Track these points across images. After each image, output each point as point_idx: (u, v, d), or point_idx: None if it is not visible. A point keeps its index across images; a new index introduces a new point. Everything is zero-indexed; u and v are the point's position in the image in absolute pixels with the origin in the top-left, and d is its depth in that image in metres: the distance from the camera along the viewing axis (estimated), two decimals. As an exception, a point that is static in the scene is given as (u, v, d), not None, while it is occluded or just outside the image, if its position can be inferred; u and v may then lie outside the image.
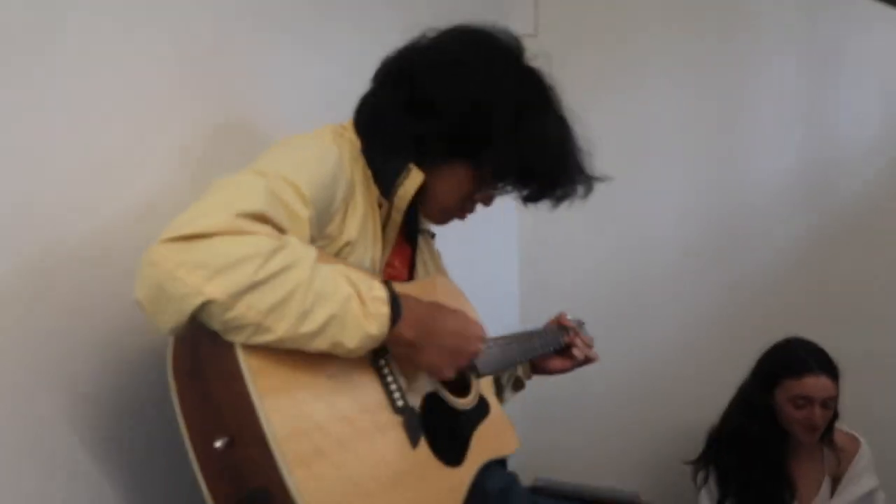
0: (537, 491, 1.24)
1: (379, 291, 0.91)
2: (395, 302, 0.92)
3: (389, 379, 1.00)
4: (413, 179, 1.07)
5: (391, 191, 1.06)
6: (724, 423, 1.91)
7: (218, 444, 0.83)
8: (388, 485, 0.94)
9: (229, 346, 0.83)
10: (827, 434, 1.82)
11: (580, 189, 1.15)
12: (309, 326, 0.84)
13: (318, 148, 1.01)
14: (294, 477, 0.81)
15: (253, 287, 0.80)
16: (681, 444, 2.11)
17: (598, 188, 1.17)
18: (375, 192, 1.06)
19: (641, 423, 2.43)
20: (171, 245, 0.79)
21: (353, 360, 0.92)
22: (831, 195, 2.30)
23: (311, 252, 0.86)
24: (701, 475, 1.91)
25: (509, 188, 1.14)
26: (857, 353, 1.91)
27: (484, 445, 1.15)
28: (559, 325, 1.42)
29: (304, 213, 0.90)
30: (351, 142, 1.08)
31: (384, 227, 1.07)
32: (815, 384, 1.76)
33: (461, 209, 1.17)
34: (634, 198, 2.41)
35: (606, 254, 2.47)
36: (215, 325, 0.81)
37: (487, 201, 1.18)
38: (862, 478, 1.84)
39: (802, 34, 2.31)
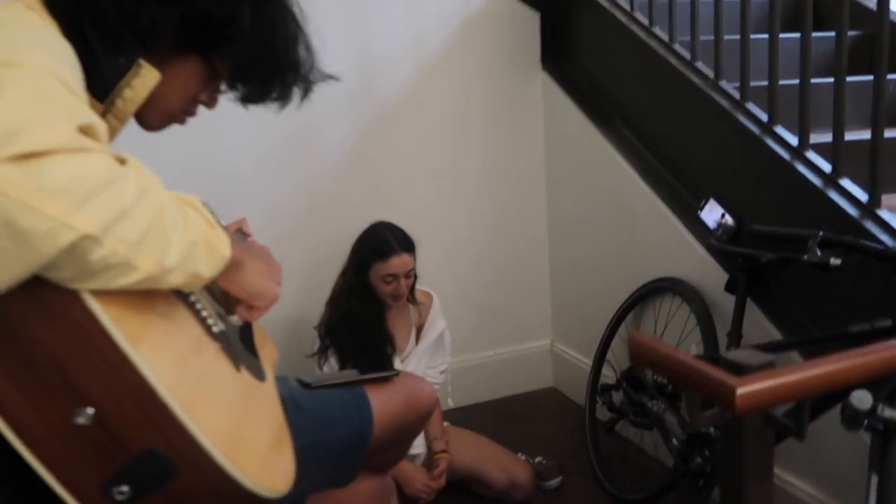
0: (308, 387, 1.24)
1: (206, 211, 0.82)
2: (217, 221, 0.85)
3: (199, 306, 0.91)
4: (145, 78, 0.89)
5: (110, 93, 0.87)
6: (331, 310, 2.16)
7: (80, 419, 0.69)
8: (244, 412, 0.89)
9: (69, 296, 0.69)
10: (410, 295, 2.19)
11: (302, 91, 1.04)
12: (172, 258, 0.73)
13: (52, 37, 0.80)
14: (195, 421, 0.73)
15: (122, 216, 0.66)
16: (294, 337, 2.38)
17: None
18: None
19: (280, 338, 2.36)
20: (9, 166, 0.61)
21: (164, 293, 0.81)
22: (375, 98, 2.59)
23: (151, 173, 0.74)
24: (322, 361, 2.14)
25: (237, 87, 1.00)
26: (420, 225, 2.25)
27: (265, 357, 1.09)
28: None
29: (100, 123, 0.72)
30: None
31: None
32: (398, 262, 2.07)
33: (184, 112, 1.01)
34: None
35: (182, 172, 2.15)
36: (75, 269, 0.66)
37: (212, 102, 1.03)
38: (436, 322, 2.28)
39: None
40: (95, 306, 0.70)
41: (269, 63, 0.99)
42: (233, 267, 0.89)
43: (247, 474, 0.78)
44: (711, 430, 1.78)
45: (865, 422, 1.25)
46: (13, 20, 0.82)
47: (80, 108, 0.71)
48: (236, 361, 0.94)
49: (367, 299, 2.13)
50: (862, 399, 1.23)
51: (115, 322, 0.70)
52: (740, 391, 0.83)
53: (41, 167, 0.62)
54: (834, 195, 1.70)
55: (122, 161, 0.71)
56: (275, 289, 1.00)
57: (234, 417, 0.85)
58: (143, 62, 0.89)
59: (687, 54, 2.13)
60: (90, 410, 0.69)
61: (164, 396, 0.71)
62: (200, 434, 0.74)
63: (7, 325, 0.69)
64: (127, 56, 0.89)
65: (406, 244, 2.12)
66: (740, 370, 0.90)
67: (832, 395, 1.43)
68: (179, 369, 0.78)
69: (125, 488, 0.73)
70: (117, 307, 0.72)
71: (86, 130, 0.68)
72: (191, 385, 0.78)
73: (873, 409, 1.23)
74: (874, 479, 1.26)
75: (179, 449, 0.73)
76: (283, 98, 1.04)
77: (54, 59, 0.74)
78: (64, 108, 0.68)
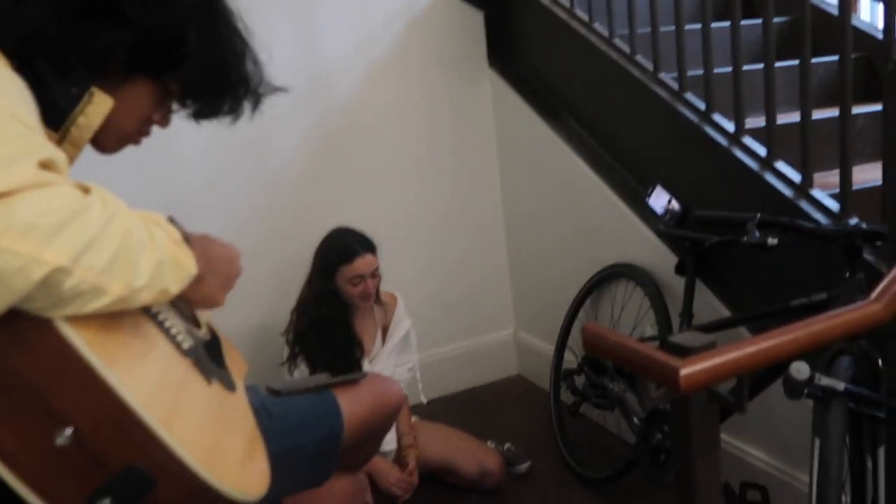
0: (277, 394, 1.27)
1: (172, 228, 0.86)
2: (185, 236, 0.88)
3: (168, 324, 0.94)
4: (98, 106, 0.91)
5: (64, 121, 0.90)
6: (299, 318, 2.20)
7: (60, 440, 0.72)
8: (217, 421, 0.92)
9: (44, 324, 0.71)
10: (376, 296, 2.24)
11: (252, 104, 1.07)
12: (140, 279, 0.76)
13: (5, 75, 0.81)
14: (172, 436, 0.77)
15: (90, 245, 0.69)
16: (262, 346, 2.42)
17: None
18: None
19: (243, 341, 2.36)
20: None
21: (133, 312, 0.83)
22: (325, 102, 2.62)
23: (113, 195, 0.77)
24: (292, 367, 2.18)
25: (189, 105, 1.03)
26: (378, 227, 2.30)
27: (234, 368, 1.13)
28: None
29: (61, 156, 0.74)
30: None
31: None
32: (363, 263, 2.12)
33: (139, 133, 1.03)
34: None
35: (141, 187, 2.19)
36: (48, 300, 0.69)
37: (165, 122, 1.05)
38: (401, 322, 2.34)
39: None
40: (70, 332, 0.72)
41: (218, 80, 1.02)
42: (194, 281, 0.92)
43: (224, 482, 0.82)
44: (669, 406, 1.86)
45: (805, 390, 1.34)
46: None
47: (40, 144, 0.73)
48: (207, 375, 0.97)
49: (335, 304, 2.17)
50: (800, 370, 1.32)
51: (89, 346, 0.73)
52: (683, 372, 0.89)
53: (9, 207, 0.65)
54: (770, 178, 1.79)
55: (85, 190, 0.74)
56: (219, 299, 1.03)
57: (209, 429, 0.89)
58: (95, 90, 0.91)
59: (627, 48, 2.21)
60: (68, 431, 0.72)
61: (140, 414, 0.75)
62: (179, 448, 0.77)
63: None
64: (79, 85, 0.90)
65: (368, 245, 2.17)
66: (684, 352, 0.97)
67: (774, 368, 1.52)
68: (154, 387, 0.81)
69: (107, 502, 0.76)
70: (90, 332, 0.75)
71: (47, 165, 0.70)
72: (166, 401, 0.81)
73: (811, 378, 1.32)
74: (817, 443, 1.35)
75: (159, 463, 0.76)
76: (234, 112, 1.07)
77: (10, 99, 0.76)
78: (25, 146, 0.70)
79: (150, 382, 0.81)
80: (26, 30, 0.88)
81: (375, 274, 2.18)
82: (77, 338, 0.73)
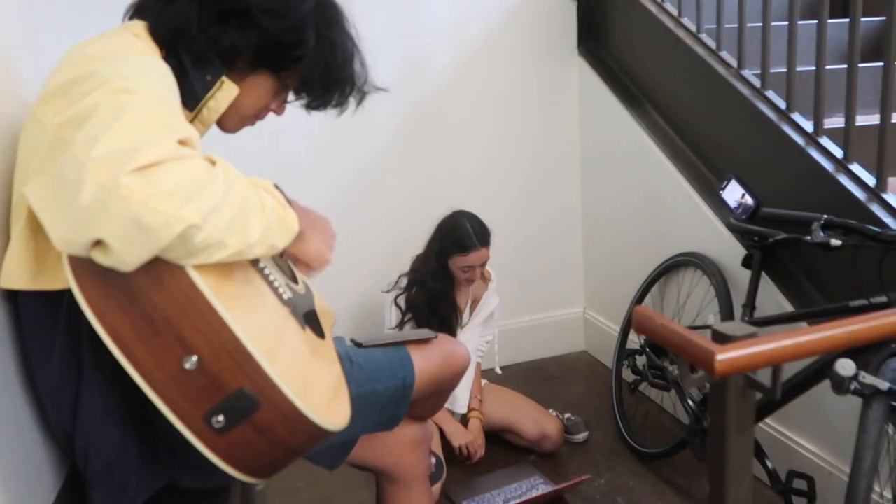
0: (359, 346, 1.41)
1: (278, 193, 0.99)
2: (288, 200, 1.01)
3: (272, 278, 1.07)
4: (226, 92, 1.08)
5: (198, 104, 1.06)
6: (410, 284, 2.36)
7: (188, 365, 0.86)
8: (310, 363, 1.04)
9: (178, 270, 0.85)
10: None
11: (357, 100, 1.23)
12: (253, 236, 0.89)
13: (156, 64, 0.98)
14: (274, 368, 0.89)
15: (216, 207, 0.82)
16: (364, 312, 2.65)
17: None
18: None
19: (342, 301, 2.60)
20: (132, 177, 0.77)
21: (245, 267, 0.98)
22: (420, 81, 2.75)
23: (233, 166, 0.90)
24: (401, 329, 2.34)
25: (302, 97, 1.19)
26: (465, 202, 2.41)
27: (324, 320, 1.25)
28: None
29: (195, 134, 0.89)
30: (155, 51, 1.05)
31: None
32: (477, 256, 2.27)
33: (256, 117, 1.20)
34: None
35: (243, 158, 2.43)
36: (183, 250, 0.82)
37: (280, 110, 1.21)
38: (490, 299, 2.50)
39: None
40: (197, 279, 0.87)
41: (329, 78, 1.17)
42: (298, 237, 1.08)
43: (314, 411, 0.96)
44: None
45: (851, 386, 1.40)
46: (125, 49, 1.01)
47: (181, 124, 0.88)
48: (301, 323, 1.13)
49: (444, 279, 2.35)
50: (845, 366, 1.39)
51: (212, 290, 0.87)
52: (719, 357, 0.99)
53: (156, 175, 0.79)
54: (844, 179, 1.82)
55: (212, 162, 0.89)
56: (328, 254, 1.18)
57: (302, 367, 1.03)
58: (225, 79, 1.08)
59: (713, 43, 2.24)
60: (195, 358, 0.86)
61: (250, 349, 0.88)
62: (279, 378, 0.92)
63: (133, 294, 0.86)
64: (212, 74, 1.07)
65: (484, 239, 2.30)
66: (724, 339, 1.07)
67: (824, 364, 1.58)
68: (261, 328, 0.96)
69: (221, 418, 0.89)
70: (214, 279, 0.89)
71: (184, 142, 0.85)
72: (270, 340, 0.96)
73: (855, 375, 1.38)
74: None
75: (262, 390, 0.90)
76: (341, 105, 1.23)
77: (159, 85, 0.93)
78: (169, 125, 0.85)
79: (258, 323, 0.94)
80: (174, 25, 1.06)
81: (485, 264, 2.32)
82: (203, 283, 0.87)
